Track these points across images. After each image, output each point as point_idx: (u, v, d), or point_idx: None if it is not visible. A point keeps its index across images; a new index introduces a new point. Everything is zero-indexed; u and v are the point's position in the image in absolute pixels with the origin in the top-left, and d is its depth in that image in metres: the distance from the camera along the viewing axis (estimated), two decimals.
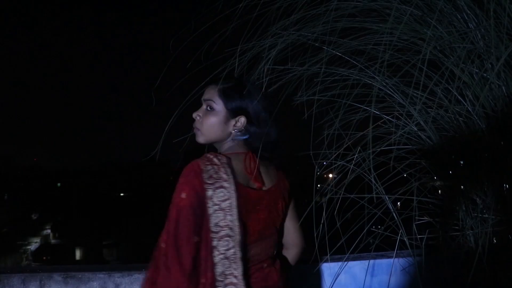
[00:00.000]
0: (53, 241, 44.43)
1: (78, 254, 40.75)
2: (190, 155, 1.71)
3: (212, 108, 1.60)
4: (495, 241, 2.08)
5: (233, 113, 1.61)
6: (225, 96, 1.61)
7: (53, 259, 37.21)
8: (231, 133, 1.61)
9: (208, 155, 1.50)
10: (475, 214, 2.13)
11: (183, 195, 1.40)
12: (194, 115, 1.62)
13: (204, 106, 1.63)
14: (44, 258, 38.72)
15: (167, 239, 1.38)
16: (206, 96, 1.62)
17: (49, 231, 45.73)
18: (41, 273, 2.21)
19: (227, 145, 1.63)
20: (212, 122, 1.60)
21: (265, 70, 1.93)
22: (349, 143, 2.12)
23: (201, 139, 1.62)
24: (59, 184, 53.03)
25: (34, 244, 43.48)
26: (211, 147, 1.69)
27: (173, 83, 2.00)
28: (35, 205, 46.64)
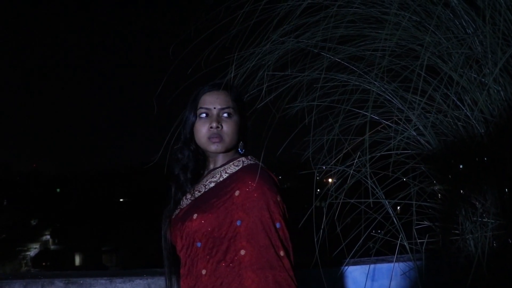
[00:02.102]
0: (52, 247, 44.33)
1: (77, 260, 40.63)
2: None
3: (231, 115, 1.59)
4: (495, 245, 2.08)
5: (244, 117, 1.65)
6: (239, 101, 1.64)
7: (53, 265, 37.09)
8: (240, 139, 1.64)
9: (275, 178, 1.57)
10: (475, 218, 2.14)
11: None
12: (213, 125, 1.57)
13: (217, 114, 1.59)
14: (44, 264, 38.60)
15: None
16: (219, 104, 1.59)
17: (48, 237, 45.65)
18: (42, 279, 2.22)
19: (231, 152, 1.65)
20: (235, 129, 1.60)
21: (265, 76, 1.95)
22: (348, 148, 2.13)
23: (221, 147, 1.59)
24: (58, 190, 52.96)
25: (33, 250, 43.37)
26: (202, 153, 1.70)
27: (171, 88, 2.01)
28: (35, 211, 46.57)
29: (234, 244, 1.46)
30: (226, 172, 1.58)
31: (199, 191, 1.61)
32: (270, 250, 1.42)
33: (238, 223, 1.46)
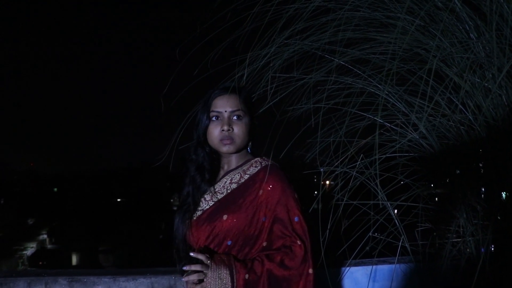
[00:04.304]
0: (49, 246, 44.15)
1: (74, 259, 40.51)
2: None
3: (241, 117, 1.67)
4: (493, 248, 2.10)
5: (253, 118, 1.73)
6: (248, 104, 1.72)
7: (49, 264, 36.96)
8: (250, 139, 1.73)
9: (288, 177, 1.69)
10: (476, 221, 2.16)
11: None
12: (225, 128, 1.65)
13: (228, 117, 1.67)
14: (40, 263, 38.45)
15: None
16: (230, 107, 1.67)
17: (45, 236, 45.47)
18: (46, 277, 2.23)
19: (240, 153, 1.73)
20: (245, 131, 1.68)
21: (270, 78, 1.97)
22: (352, 151, 2.15)
23: (232, 148, 1.67)
24: (55, 189, 52.81)
25: (30, 249, 43.21)
26: (214, 153, 1.76)
27: (175, 88, 2.03)
28: (31, 210, 46.40)
29: (260, 238, 1.60)
30: (246, 173, 1.69)
31: (221, 193, 1.69)
32: (287, 239, 1.57)
33: (264, 219, 1.61)
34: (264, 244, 1.59)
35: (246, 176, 1.67)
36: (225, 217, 1.61)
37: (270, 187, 1.61)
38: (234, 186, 1.68)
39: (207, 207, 1.68)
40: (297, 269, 1.54)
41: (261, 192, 1.62)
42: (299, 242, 1.56)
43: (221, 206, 1.66)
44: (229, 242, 1.61)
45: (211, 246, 1.64)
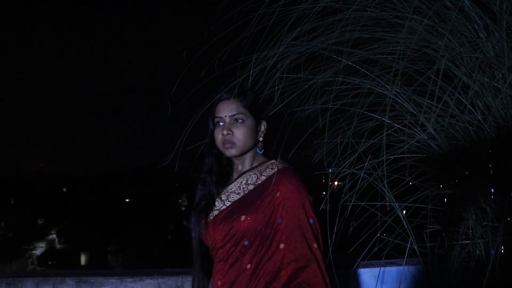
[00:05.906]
0: (58, 246, 44.52)
1: (83, 259, 40.80)
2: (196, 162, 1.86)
3: (242, 120, 1.70)
4: (503, 250, 2.08)
5: (258, 120, 1.74)
6: (251, 106, 1.73)
7: (58, 264, 37.27)
8: (258, 140, 1.75)
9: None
10: (485, 223, 2.14)
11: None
12: (224, 132, 1.69)
13: (229, 121, 1.70)
14: (49, 263, 38.78)
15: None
16: (229, 112, 1.70)
17: (54, 236, 45.86)
18: (54, 277, 2.24)
19: (252, 154, 1.75)
20: (247, 133, 1.70)
21: (278, 79, 1.97)
22: (359, 151, 2.14)
23: (234, 151, 1.70)
24: (65, 189, 53.17)
25: (39, 248, 43.62)
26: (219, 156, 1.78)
27: (183, 90, 2.04)
28: (41, 210, 46.78)
29: (275, 239, 1.62)
30: (262, 175, 1.72)
31: (237, 193, 1.72)
32: (304, 244, 1.60)
33: (280, 220, 1.62)
34: (282, 246, 1.61)
35: (263, 178, 1.71)
36: (243, 217, 1.64)
37: (286, 190, 1.64)
38: (251, 187, 1.71)
39: (224, 207, 1.72)
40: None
41: (278, 194, 1.64)
42: (315, 246, 1.59)
43: (239, 206, 1.69)
44: (246, 242, 1.64)
45: (228, 246, 1.66)
